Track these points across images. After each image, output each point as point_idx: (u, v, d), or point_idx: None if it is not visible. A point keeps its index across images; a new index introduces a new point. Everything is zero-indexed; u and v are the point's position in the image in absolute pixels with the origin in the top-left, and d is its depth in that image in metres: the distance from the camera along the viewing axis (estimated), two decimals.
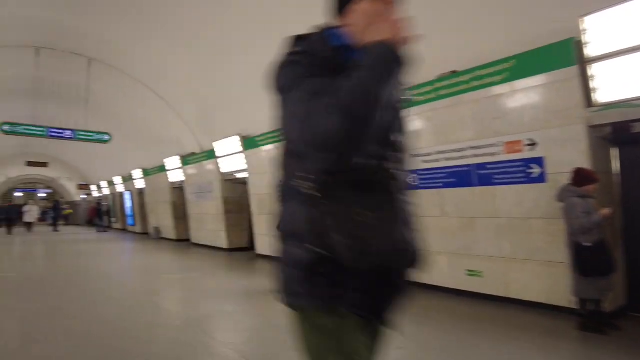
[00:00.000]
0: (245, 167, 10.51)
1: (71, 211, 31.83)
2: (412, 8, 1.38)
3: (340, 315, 1.14)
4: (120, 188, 22.26)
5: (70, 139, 11.86)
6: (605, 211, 3.90)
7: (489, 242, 5.35)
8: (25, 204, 25.63)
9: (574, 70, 4.39)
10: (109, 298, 5.92)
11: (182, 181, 14.24)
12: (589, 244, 3.89)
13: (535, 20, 4.75)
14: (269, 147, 9.52)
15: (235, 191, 11.96)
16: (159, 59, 10.13)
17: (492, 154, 5.22)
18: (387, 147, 1.16)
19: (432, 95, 5.82)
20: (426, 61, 5.63)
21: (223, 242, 11.96)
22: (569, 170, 4.21)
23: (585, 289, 3.97)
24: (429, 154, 5.98)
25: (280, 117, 1.13)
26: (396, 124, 1.21)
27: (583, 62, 4.27)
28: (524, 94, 4.89)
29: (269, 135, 9.43)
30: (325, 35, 1.22)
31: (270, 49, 6.52)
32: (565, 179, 4.25)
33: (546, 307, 4.76)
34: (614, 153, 4.74)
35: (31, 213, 21.92)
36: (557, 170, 4.62)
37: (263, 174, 9.85)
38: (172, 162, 14.55)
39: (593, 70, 4.19)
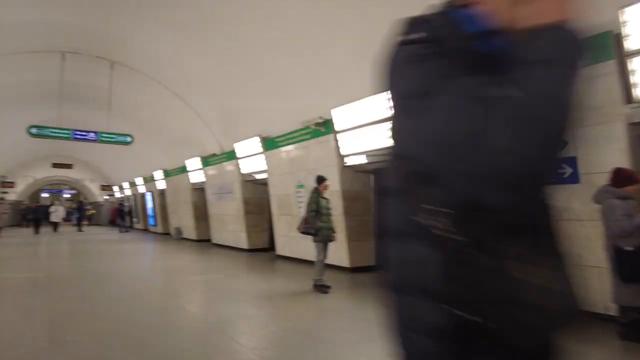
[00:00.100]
0: (265, 167, 10.49)
1: (94, 211, 32.54)
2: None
3: None
4: (141, 189, 22.61)
5: (93, 141, 12.08)
6: None
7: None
8: (51, 204, 26.31)
9: (611, 64, 4.18)
10: (134, 299, 5.95)
11: (203, 182, 14.34)
12: (630, 248, 3.68)
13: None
14: (289, 147, 9.48)
15: (256, 192, 11.97)
16: (180, 61, 10.20)
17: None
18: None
19: None
20: None
21: (243, 243, 11.98)
22: (606, 170, 4.01)
23: (626, 296, 3.76)
24: None
25: (409, 129, 0.81)
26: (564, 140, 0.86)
27: (622, 56, 4.06)
28: None
29: (289, 136, 9.39)
30: (452, 18, 0.88)
31: (290, 50, 6.45)
32: (601, 180, 4.05)
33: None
34: None
35: (57, 213, 22.47)
36: (592, 170, 4.41)
37: (283, 174, 9.81)
38: (193, 163, 14.67)
39: (633, 64, 3.98)
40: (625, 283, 3.72)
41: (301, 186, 9.08)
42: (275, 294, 6.30)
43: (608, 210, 3.80)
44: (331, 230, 6.35)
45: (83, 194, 35.76)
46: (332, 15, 6.64)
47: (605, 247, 3.94)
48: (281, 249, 10.32)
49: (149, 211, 21.97)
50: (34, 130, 11.17)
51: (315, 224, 6.19)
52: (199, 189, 15.24)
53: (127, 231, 21.86)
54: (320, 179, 6.44)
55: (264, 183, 11.23)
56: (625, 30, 3.95)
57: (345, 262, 7.98)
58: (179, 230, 17.29)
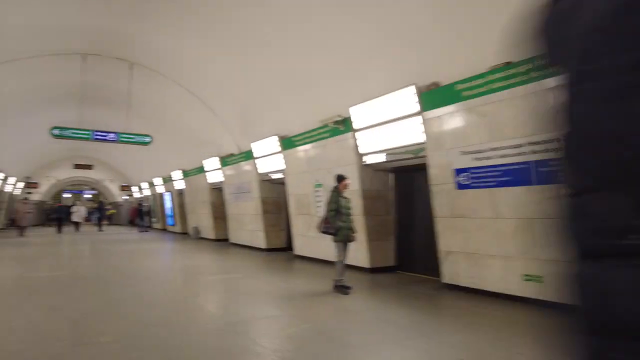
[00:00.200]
0: (283, 167, 10.44)
1: (114, 211, 33.10)
2: None
3: None
4: (160, 189, 22.87)
5: (113, 141, 12.23)
6: None
7: (551, 245, 4.96)
8: (73, 205, 26.86)
9: None
10: (154, 299, 5.95)
11: (221, 182, 14.39)
12: None
13: None
14: (307, 146, 9.40)
15: (273, 191, 11.94)
16: (198, 61, 10.23)
17: (556, 150, 4.82)
18: None
19: (484, 89, 5.48)
20: (479, 52, 5.27)
21: (261, 242, 11.96)
22: None
23: None
24: (480, 151, 5.65)
25: (607, 119, 0.58)
26: None
27: None
28: None
29: (307, 135, 9.31)
30: None
31: (307, 49, 6.32)
32: None
33: None
34: None
35: (79, 213, 22.90)
36: None
37: (301, 173, 9.74)
38: (211, 163, 14.73)
39: None
40: None
41: (319, 185, 8.99)
42: (296, 295, 6.23)
43: None
44: (351, 230, 6.24)
45: (103, 194, 36.45)
46: (349, 12, 6.53)
47: None
48: (299, 248, 10.26)
49: (168, 211, 22.20)
50: (56, 132, 11.35)
51: (335, 223, 6.09)
52: (217, 189, 15.31)
53: (146, 231, 22.14)
54: (340, 178, 6.33)
55: (281, 182, 11.19)
56: None
57: (365, 262, 7.86)
58: (197, 230, 17.41)
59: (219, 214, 15.37)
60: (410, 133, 6.74)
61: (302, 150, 9.62)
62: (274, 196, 11.98)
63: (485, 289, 5.71)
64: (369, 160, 7.81)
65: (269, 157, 11.04)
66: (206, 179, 15.57)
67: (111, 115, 14.60)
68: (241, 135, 12.24)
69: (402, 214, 8.18)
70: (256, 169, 11.72)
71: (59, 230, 21.12)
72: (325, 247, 8.46)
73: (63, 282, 7.14)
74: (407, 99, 6.54)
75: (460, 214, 6.00)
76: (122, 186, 32.07)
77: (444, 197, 6.22)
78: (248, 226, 12.75)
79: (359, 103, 7.46)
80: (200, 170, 15.87)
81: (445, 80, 6.09)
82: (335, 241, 6.17)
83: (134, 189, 30.03)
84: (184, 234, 19.52)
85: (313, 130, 9.03)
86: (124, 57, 11.00)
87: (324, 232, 6.25)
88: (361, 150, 7.84)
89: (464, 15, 5.47)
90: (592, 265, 0.61)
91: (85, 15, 8.76)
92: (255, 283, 7.27)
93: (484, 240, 5.70)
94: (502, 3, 4.68)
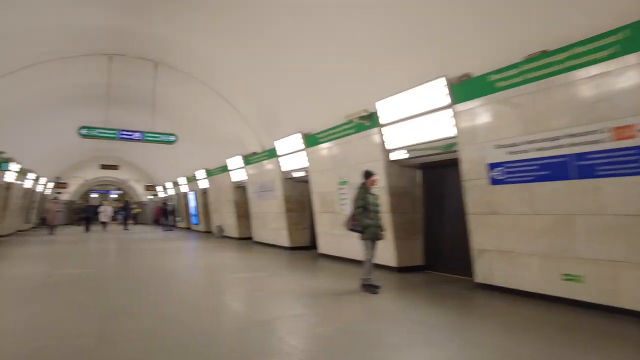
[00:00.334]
0: (306, 164, 10.33)
1: (140, 210, 33.71)
2: None
3: None
4: (184, 188, 23.13)
5: (139, 140, 12.34)
6: None
7: (591, 243, 4.67)
8: (100, 204, 27.48)
9: None
10: (178, 297, 5.92)
11: (245, 180, 14.40)
12: None
13: None
14: (331, 143, 9.26)
15: (297, 189, 11.85)
16: (221, 59, 10.21)
17: (595, 142, 4.54)
18: None
19: (519, 79, 5.22)
20: (512, 40, 5.02)
21: (285, 241, 11.89)
22: None
23: None
24: (515, 145, 5.38)
25: None
26: None
27: None
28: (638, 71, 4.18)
29: (331, 131, 9.17)
30: None
31: (329, 47, 6.18)
32: None
33: None
34: None
35: (106, 213, 23.38)
36: None
37: (325, 171, 9.61)
38: (235, 162, 14.77)
39: None
40: None
41: (344, 182, 8.83)
42: (322, 293, 6.09)
43: None
44: (379, 227, 6.05)
45: (128, 194, 37.21)
46: (374, 5, 6.34)
47: None
48: (323, 247, 10.12)
49: (192, 210, 22.43)
50: (84, 131, 11.52)
51: (363, 221, 5.93)
52: (241, 188, 15.34)
53: (170, 230, 22.42)
54: (368, 174, 6.15)
55: (304, 180, 11.08)
56: None
57: (392, 261, 7.66)
58: (220, 228, 17.51)
59: (243, 212, 15.40)
60: (440, 127, 6.51)
61: (326, 147, 9.47)
62: (297, 194, 11.89)
63: (521, 288, 5.45)
64: (395, 156, 7.60)
65: (292, 155, 10.94)
66: (230, 178, 15.62)
67: (136, 115, 14.79)
68: (265, 134, 12.19)
69: (430, 212, 7.93)
70: (279, 167, 11.65)
71: (87, 229, 21.62)
72: (349, 246, 8.30)
73: (90, 279, 7.20)
74: (437, 91, 6.31)
75: (494, 210, 5.75)
76: (147, 186, 32.64)
77: (477, 193, 5.97)
78: (271, 224, 12.70)
79: (386, 97, 7.26)
80: (224, 169, 15.93)
81: (476, 71, 5.85)
82: (363, 239, 6.00)
83: (159, 188, 30.52)
84: (208, 232, 19.66)
85: (337, 126, 8.87)
86: (147, 56, 11.09)
87: (352, 230, 6.09)
88: (388, 146, 7.64)
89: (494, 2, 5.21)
90: None
91: (110, 17, 8.84)
92: (281, 281, 7.17)
93: (519, 237, 5.43)
94: None
